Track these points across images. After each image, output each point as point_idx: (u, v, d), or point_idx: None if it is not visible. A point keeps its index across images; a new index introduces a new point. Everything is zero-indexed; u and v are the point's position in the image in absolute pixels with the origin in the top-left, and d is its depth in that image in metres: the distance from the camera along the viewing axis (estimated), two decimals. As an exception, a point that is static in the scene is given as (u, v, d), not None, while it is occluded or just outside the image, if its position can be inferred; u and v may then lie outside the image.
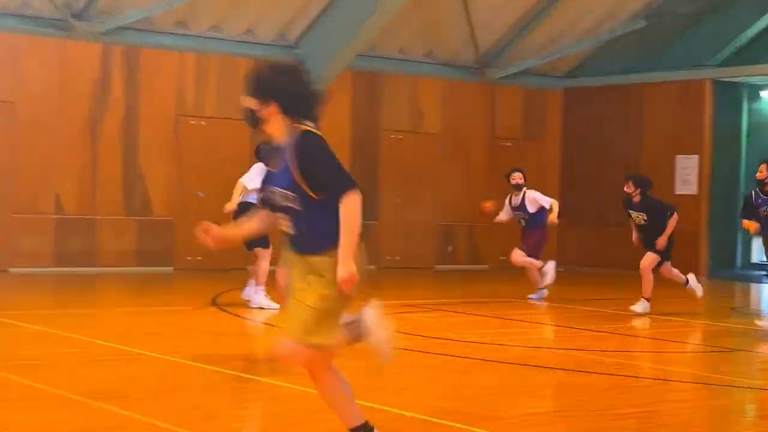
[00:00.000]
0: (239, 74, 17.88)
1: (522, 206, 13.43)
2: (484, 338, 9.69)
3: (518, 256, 13.35)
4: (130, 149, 16.99)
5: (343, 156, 18.89)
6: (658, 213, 12.13)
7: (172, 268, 17.09)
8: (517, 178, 13.44)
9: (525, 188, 13.44)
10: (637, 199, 12.19)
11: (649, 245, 12.15)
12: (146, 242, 17.06)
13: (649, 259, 12.12)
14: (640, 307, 12.03)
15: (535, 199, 13.32)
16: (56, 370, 7.38)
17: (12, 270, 15.85)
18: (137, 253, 17.02)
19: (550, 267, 13.37)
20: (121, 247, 16.83)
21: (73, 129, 16.53)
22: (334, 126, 18.75)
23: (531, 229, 13.42)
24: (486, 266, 20.27)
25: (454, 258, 20.06)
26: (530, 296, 13.41)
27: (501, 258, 20.39)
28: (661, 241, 11.99)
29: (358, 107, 19.14)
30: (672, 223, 12.04)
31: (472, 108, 20.44)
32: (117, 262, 16.71)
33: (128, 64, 16.92)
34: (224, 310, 11.38)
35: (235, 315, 10.95)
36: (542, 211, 13.35)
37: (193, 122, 17.46)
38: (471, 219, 19.87)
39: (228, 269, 16.47)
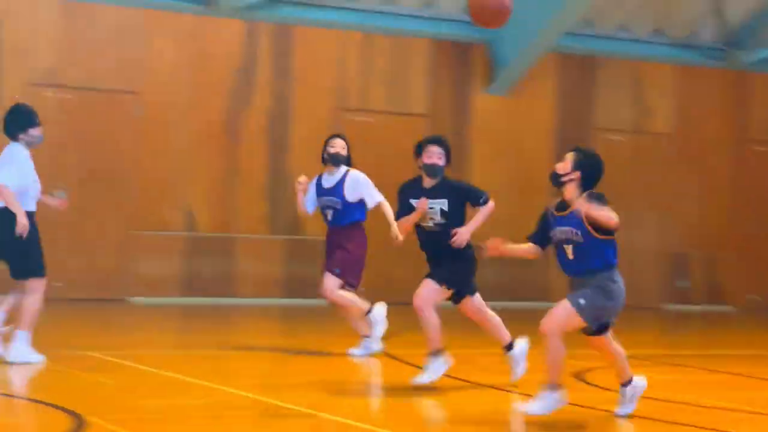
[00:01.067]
0: (414, 57, 17.88)
1: (337, 190, 11.23)
2: (733, 403, 9.37)
3: (330, 284, 11.09)
4: (278, 152, 17.14)
5: (546, 160, 18.63)
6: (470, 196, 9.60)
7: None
8: (337, 146, 11.27)
9: (347, 167, 11.34)
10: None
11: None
12: (296, 268, 17.15)
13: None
14: None
15: (357, 182, 11.27)
16: (182, 426, 7.40)
17: (132, 299, 16.21)
18: (285, 281, 17.12)
19: (380, 313, 11.35)
20: (265, 273, 16.97)
21: (209, 126, 16.80)
22: (534, 122, 18.46)
23: (344, 228, 11.25)
24: (730, 307, 19.68)
25: (688, 295, 19.53)
26: (352, 350, 11.32)
27: (750, 296, 19.75)
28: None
29: (566, 99, 18.85)
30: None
31: (715, 101, 19.88)
32: (259, 291, 16.86)
33: (278, 45, 17.10)
34: (394, 358, 11.27)
35: (408, 363, 10.83)
36: (362, 205, 11.28)
37: (358, 119, 17.52)
38: (711, 246, 19.27)
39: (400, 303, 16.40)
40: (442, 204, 9.44)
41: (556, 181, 8.09)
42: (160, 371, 9.70)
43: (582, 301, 7.86)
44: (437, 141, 9.53)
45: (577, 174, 8.01)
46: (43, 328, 10.35)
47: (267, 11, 17.02)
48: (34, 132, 9.78)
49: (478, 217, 9.49)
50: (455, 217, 9.45)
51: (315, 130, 17.32)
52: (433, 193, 9.43)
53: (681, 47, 19.76)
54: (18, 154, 9.69)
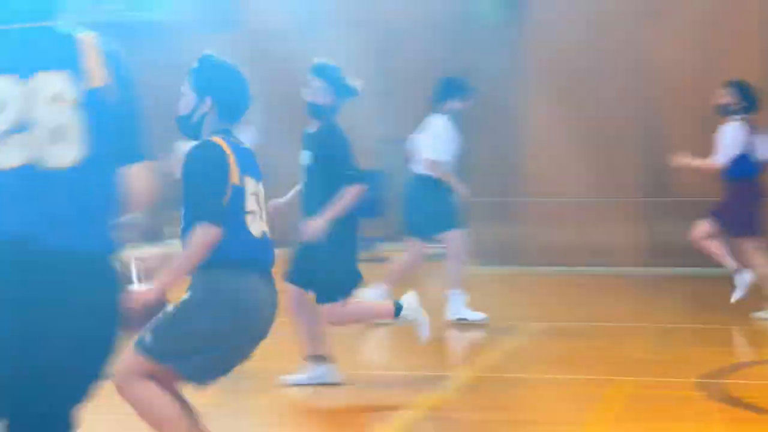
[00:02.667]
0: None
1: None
2: None
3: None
4: None
5: None
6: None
7: None
8: (725, 95, 10.24)
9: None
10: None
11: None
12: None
13: None
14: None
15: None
16: None
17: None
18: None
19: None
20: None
21: None
22: None
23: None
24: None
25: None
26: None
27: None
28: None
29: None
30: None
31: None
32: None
33: None
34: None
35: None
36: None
37: None
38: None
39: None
40: (309, 157, 7.26)
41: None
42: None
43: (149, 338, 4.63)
44: (316, 70, 7.28)
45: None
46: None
47: None
48: (455, 104, 10.12)
49: (338, 200, 7.03)
50: (316, 180, 7.16)
51: None
52: (307, 140, 7.30)
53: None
54: (436, 126, 10.11)
